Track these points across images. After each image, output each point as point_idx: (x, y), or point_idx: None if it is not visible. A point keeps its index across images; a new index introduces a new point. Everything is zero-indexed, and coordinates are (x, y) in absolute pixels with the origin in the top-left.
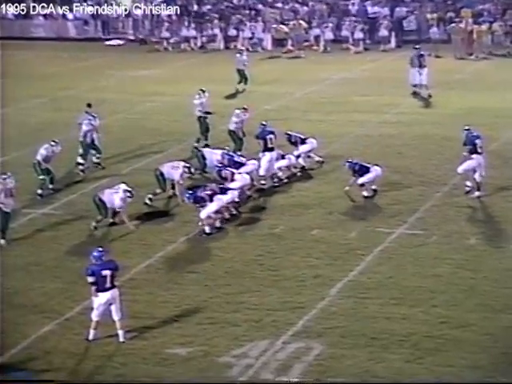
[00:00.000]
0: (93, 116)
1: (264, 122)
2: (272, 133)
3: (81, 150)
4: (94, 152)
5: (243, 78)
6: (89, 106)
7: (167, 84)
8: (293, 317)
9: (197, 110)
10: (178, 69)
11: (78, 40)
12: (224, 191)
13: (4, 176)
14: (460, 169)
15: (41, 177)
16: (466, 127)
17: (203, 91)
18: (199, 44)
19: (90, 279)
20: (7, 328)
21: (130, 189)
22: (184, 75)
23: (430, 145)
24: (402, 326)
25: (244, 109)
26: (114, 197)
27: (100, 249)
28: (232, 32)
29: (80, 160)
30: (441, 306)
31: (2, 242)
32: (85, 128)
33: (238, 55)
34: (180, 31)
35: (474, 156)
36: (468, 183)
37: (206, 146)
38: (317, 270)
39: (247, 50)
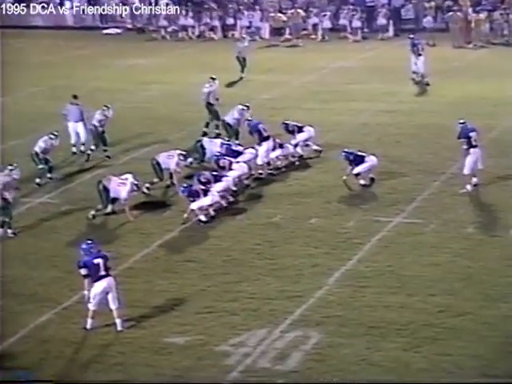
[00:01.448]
0: (106, 107)
1: (249, 118)
2: (260, 123)
3: (73, 141)
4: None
5: (242, 65)
6: (75, 97)
7: (165, 73)
8: (291, 306)
9: (203, 97)
10: (175, 57)
11: (76, 28)
12: (219, 179)
13: (10, 167)
14: (466, 170)
15: (40, 166)
16: (461, 120)
17: (213, 79)
18: (197, 33)
19: (83, 271)
20: (5, 317)
21: (137, 182)
22: (182, 64)
23: (427, 134)
24: (400, 314)
25: (247, 107)
26: (121, 188)
27: (89, 241)
28: (230, 21)
29: (82, 148)
30: (439, 294)
31: (9, 231)
32: (98, 117)
33: (238, 43)
34: (178, 20)
35: (471, 151)
36: (468, 187)
37: (205, 134)
38: (315, 258)
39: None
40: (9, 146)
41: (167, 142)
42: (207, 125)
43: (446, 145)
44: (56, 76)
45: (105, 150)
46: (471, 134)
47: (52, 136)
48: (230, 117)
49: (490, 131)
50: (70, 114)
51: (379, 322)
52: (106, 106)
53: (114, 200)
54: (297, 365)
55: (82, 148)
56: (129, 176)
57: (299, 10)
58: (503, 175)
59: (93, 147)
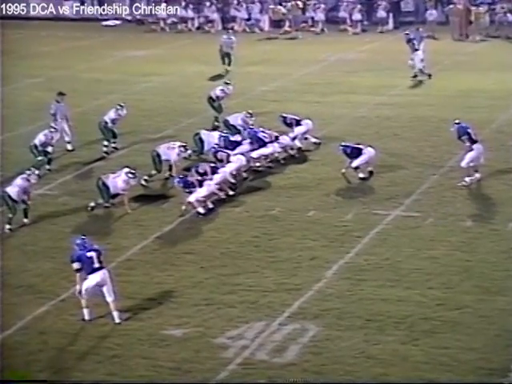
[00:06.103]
0: (120, 106)
1: (251, 126)
2: (259, 131)
3: (67, 138)
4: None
5: (224, 59)
6: (61, 94)
7: (164, 64)
8: (289, 298)
9: (212, 94)
10: (174, 49)
11: (75, 20)
12: (216, 170)
13: (28, 172)
14: (463, 163)
15: (39, 158)
16: (456, 121)
17: (228, 84)
18: (196, 25)
19: (76, 265)
20: (3, 308)
21: (132, 170)
22: (181, 56)
23: (426, 127)
24: (398, 307)
25: (250, 114)
26: (117, 180)
27: (82, 237)
28: (230, 13)
29: (69, 147)
30: (437, 288)
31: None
32: (112, 115)
33: (223, 36)
34: (177, 12)
35: (474, 146)
36: (467, 179)
37: (215, 129)
38: (313, 251)
39: (244, 30)
40: (6, 137)
41: (164, 133)
42: (217, 119)
43: (445, 138)
44: (54, 67)
45: (114, 142)
46: (469, 131)
47: (52, 129)
48: (234, 121)
49: (489, 124)
50: (59, 112)
51: (377, 315)
52: (120, 104)
53: (115, 196)
54: (294, 357)
55: (69, 147)
56: (123, 169)
57: (298, 2)
58: (502, 168)
59: (105, 143)
